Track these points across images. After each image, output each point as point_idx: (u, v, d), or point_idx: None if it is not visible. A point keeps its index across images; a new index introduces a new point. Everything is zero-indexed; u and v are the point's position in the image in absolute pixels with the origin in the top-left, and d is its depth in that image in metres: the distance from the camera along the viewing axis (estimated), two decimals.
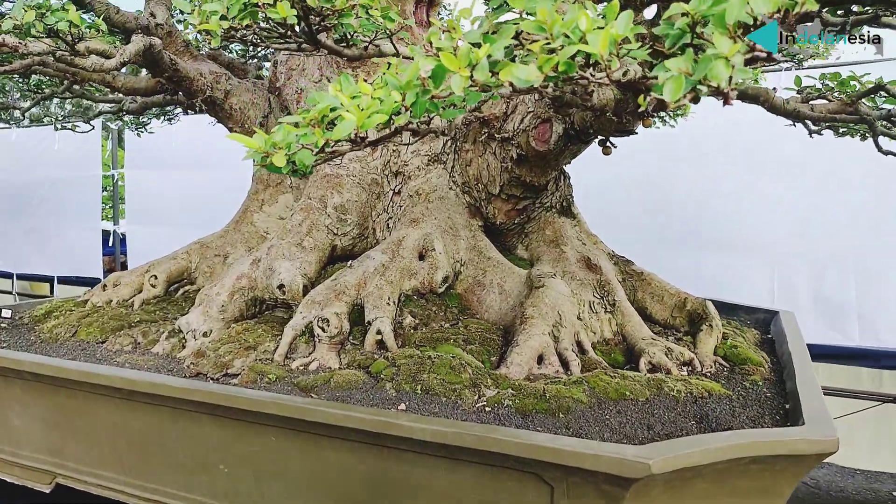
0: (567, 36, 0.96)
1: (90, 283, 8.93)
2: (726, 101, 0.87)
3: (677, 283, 2.84)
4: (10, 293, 9.50)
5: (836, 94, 2.49)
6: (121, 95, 4.29)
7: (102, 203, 8.85)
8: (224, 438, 2.04)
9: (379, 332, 2.31)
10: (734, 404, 1.95)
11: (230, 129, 3.49)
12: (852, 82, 2.54)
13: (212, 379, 2.21)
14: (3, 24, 1.97)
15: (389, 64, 1.33)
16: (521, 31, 1.07)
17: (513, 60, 1.07)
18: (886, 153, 2.34)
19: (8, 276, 9.47)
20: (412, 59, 1.79)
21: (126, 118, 4.59)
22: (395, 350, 2.26)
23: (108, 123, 7.12)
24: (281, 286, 2.55)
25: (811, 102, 2.42)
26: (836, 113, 2.32)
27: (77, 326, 2.74)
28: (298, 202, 2.90)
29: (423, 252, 2.65)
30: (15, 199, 8.83)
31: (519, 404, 1.86)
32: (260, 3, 1.22)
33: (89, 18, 3.05)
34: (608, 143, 2.52)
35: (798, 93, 2.69)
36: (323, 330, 2.29)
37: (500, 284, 2.66)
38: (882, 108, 2.34)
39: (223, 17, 1.31)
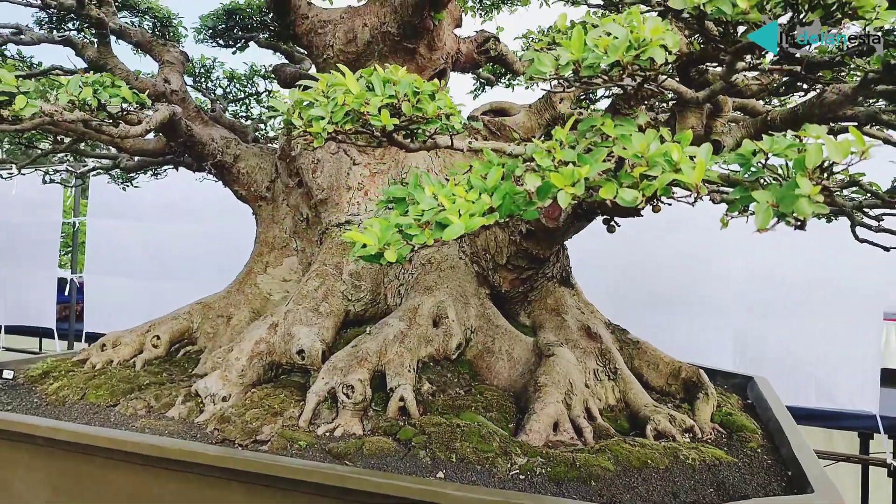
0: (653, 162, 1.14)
1: (41, 332, 8.61)
2: (803, 228, 1.06)
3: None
4: None
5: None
6: (114, 151, 4.32)
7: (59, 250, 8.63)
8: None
9: (402, 399, 2.39)
10: (742, 471, 2.11)
11: (236, 192, 3.57)
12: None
13: (240, 445, 2.24)
14: (59, 98, 2.05)
15: (471, 167, 1.47)
16: (613, 154, 1.24)
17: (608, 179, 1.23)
18: (862, 241, 2.62)
19: None
20: (471, 150, 1.97)
21: (113, 172, 4.59)
22: (418, 417, 2.35)
23: (73, 171, 7.03)
24: (300, 352, 2.61)
25: None
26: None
27: (85, 389, 2.72)
28: (312, 267, 2.98)
29: (438, 319, 2.77)
30: None
31: (551, 472, 1.98)
32: (365, 113, 1.36)
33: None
34: (613, 222, 2.73)
35: None
36: (347, 397, 2.36)
37: (508, 352, 2.80)
38: (854, 199, 2.63)
39: (319, 118, 1.45)
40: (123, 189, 4.86)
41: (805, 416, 4.88)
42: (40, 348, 8.97)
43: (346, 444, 2.16)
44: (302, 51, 4.03)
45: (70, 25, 3.91)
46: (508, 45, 3.80)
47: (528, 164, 1.30)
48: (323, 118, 1.38)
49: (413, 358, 2.59)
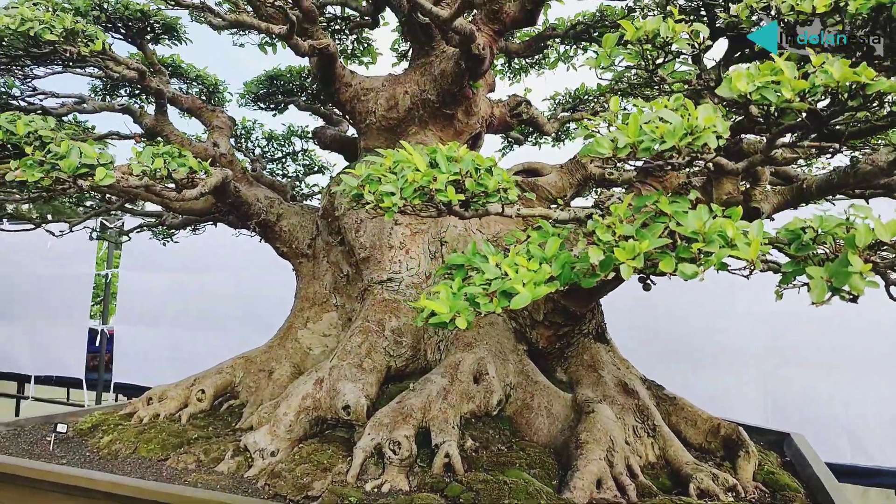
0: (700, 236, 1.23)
1: (70, 382, 8.71)
2: (855, 301, 1.14)
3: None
4: None
5: None
6: (158, 208, 4.50)
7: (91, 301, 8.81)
8: None
9: (447, 456, 2.44)
10: None
11: (277, 249, 3.70)
12: None
13: (292, 501, 2.29)
14: (133, 170, 2.20)
15: (528, 237, 1.57)
16: (669, 229, 1.33)
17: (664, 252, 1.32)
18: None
19: None
20: (520, 216, 2.07)
21: (155, 229, 4.76)
22: (463, 473, 2.39)
23: (113, 227, 7.27)
24: (346, 407, 2.68)
25: None
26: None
27: (136, 443, 2.80)
28: (355, 323, 3.08)
29: (478, 376, 2.83)
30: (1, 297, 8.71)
31: None
32: (432, 190, 1.47)
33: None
34: (649, 280, 2.80)
35: None
36: (394, 453, 2.41)
37: (547, 408, 2.84)
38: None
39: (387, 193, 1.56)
40: (163, 244, 5.03)
41: (840, 472, 4.80)
42: (67, 398, 9.08)
43: (395, 501, 2.21)
44: (339, 113, 4.22)
45: (122, 92, 4.16)
46: (536, 104, 3.96)
47: (588, 237, 1.40)
48: (393, 194, 1.50)
49: (456, 414, 2.64)
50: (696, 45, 1.55)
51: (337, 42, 4.31)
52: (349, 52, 4.36)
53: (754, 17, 1.61)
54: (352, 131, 4.15)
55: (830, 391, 4.78)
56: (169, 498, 2.26)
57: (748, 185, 1.97)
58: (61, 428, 2.88)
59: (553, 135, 4.31)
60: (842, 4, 1.42)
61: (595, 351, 3.16)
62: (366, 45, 4.33)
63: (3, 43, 2.50)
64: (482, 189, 1.54)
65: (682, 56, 1.65)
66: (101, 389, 8.27)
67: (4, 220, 5.54)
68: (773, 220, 2.24)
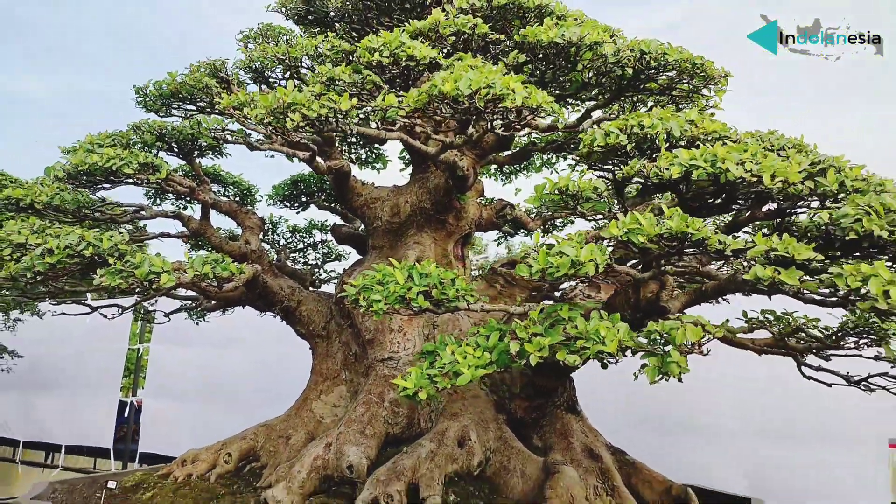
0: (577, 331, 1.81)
1: (96, 452, 9.20)
2: (679, 380, 1.70)
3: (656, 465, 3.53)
4: (13, 461, 9.76)
5: (772, 328, 3.36)
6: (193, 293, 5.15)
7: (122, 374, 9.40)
8: None
9: None
10: None
11: (297, 331, 4.31)
12: (785, 317, 3.44)
13: None
14: (188, 272, 2.85)
15: (477, 331, 2.15)
16: (565, 327, 1.92)
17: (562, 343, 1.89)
18: (809, 378, 3.16)
19: (13, 443, 9.78)
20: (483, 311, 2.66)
21: (191, 311, 5.41)
22: None
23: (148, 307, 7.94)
24: (350, 467, 3.21)
25: (751, 335, 3.30)
26: (770, 346, 3.18)
27: (174, 498, 3.33)
28: (359, 396, 3.63)
29: (462, 440, 3.35)
30: (42, 373, 9.28)
31: None
32: (408, 298, 2.09)
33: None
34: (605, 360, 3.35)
35: (746, 322, 3.59)
36: None
37: (521, 469, 3.34)
38: (804, 342, 3.19)
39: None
40: (196, 324, 5.66)
41: None
42: (94, 466, 9.52)
43: None
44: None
45: (170, 196, 4.89)
46: (524, 202, 4.61)
47: (511, 334, 1.99)
48: (380, 301, 2.11)
49: (441, 473, 3.15)
50: (598, 195, 2.18)
51: (352, 152, 5.06)
52: (363, 159, 5.10)
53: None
54: (363, 227, 4.82)
55: (812, 469, 5.06)
56: None
57: (659, 289, 2.55)
58: (111, 485, 3.43)
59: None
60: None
61: (566, 421, 3.66)
62: (377, 153, 5.07)
63: (89, 173, 3.22)
64: (445, 297, 2.14)
65: (591, 200, 2.27)
66: (127, 459, 8.75)
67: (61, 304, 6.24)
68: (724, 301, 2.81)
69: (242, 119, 2.93)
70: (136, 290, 2.69)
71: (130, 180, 3.47)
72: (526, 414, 3.63)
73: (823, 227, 1.95)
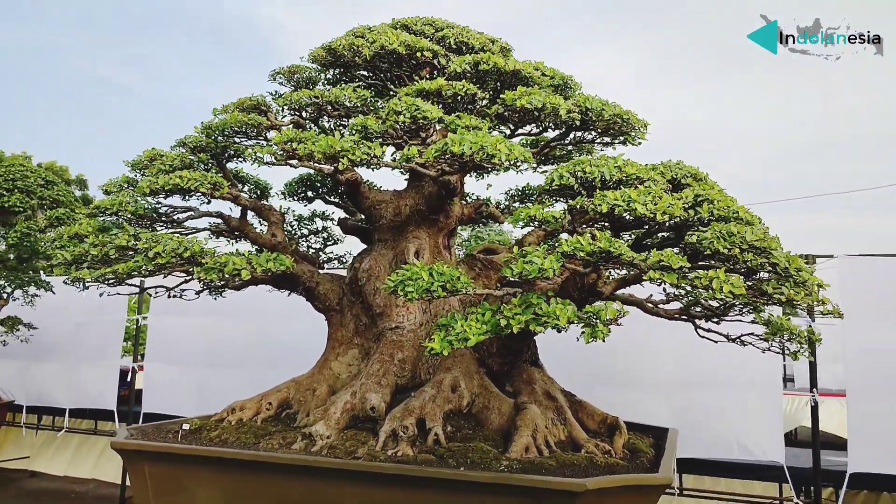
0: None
1: (101, 414, 10.05)
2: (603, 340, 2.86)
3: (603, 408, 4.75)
4: (18, 425, 10.56)
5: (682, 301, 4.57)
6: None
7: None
8: (355, 493, 3.71)
9: (435, 435, 4.08)
10: (628, 468, 3.80)
11: (315, 306, 5.35)
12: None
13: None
14: (256, 267, 3.85)
15: (477, 308, 3.27)
16: (534, 310, 3.05)
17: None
18: (703, 337, 4.39)
19: (18, 408, 10.54)
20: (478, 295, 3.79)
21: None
22: (445, 445, 4.03)
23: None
24: (373, 408, 4.32)
25: (662, 306, 4.49)
26: (679, 314, 4.39)
27: (238, 434, 4.38)
28: (373, 356, 4.72)
29: (454, 387, 4.49)
30: (46, 343, 9.99)
31: (521, 468, 3.66)
32: (431, 290, 3.17)
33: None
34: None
35: (665, 295, 4.80)
36: (404, 433, 4.05)
37: (498, 408, 4.50)
38: (704, 311, 4.40)
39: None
40: (214, 299, 6.61)
41: (728, 468, 6.45)
42: (95, 428, 10.34)
43: (406, 459, 3.83)
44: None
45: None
46: (499, 195, 5.70)
47: (500, 312, 3.10)
48: (412, 291, 3.18)
49: (441, 411, 4.29)
50: (555, 219, 3.29)
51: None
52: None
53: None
54: (363, 220, 5.84)
55: (727, 408, 6.38)
56: (276, 459, 3.85)
57: (596, 279, 3.70)
58: (185, 426, 4.46)
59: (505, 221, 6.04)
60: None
61: (531, 372, 4.83)
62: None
63: (165, 190, 4.18)
64: (455, 288, 3.24)
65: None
66: (131, 420, 9.65)
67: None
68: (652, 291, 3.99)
69: (291, 150, 3.91)
70: (222, 283, 3.68)
71: (199, 193, 4.42)
72: (500, 367, 4.79)
73: (692, 245, 3.11)
